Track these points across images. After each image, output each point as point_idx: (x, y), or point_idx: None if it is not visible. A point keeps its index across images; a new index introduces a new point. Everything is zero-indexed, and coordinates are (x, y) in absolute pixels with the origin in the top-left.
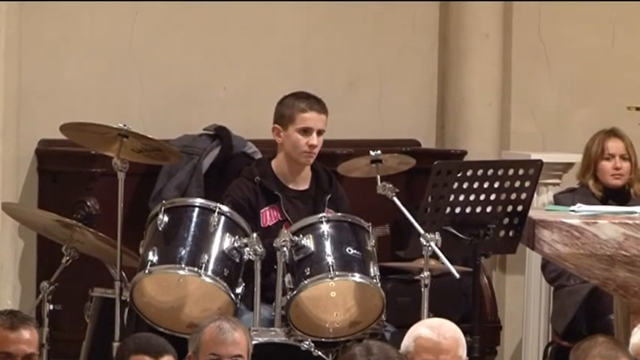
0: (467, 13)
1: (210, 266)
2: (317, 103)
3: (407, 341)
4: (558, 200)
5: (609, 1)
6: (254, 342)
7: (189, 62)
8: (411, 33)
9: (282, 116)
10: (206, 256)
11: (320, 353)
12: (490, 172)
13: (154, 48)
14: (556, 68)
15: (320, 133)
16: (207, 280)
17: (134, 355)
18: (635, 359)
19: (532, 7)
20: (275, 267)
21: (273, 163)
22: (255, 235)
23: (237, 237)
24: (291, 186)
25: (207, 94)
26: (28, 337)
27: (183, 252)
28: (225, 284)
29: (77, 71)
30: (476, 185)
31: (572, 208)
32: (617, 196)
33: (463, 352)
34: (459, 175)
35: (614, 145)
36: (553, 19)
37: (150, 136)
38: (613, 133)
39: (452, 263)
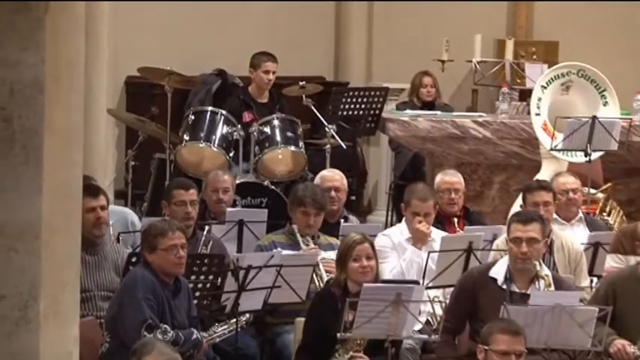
0: None
1: (217, 141)
2: (272, 58)
3: (317, 179)
4: (398, 108)
5: None
6: (237, 182)
7: (207, 36)
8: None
9: (254, 64)
10: (214, 136)
11: (273, 187)
12: (362, 93)
13: (191, 29)
14: (406, 35)
15: (274, 73)
16: (215, 149)
17: (175, 190)
18: (438, 192)
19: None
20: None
21: (250, 88)
22: (239, 125)
23: (230, 126)
24: (259, 100)
25: (214, 51)
26: (103, 202)
27: (202, 134)
28: (224, 151)
29: (151, 34)
30: (354, 100)
31: (405, 112)
32: (428, 106)
33: (345, 183)
34: (345, 94)
35: (426, 79)
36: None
37: (185, 73)
38: (426, 72)
39: (342, 140)
